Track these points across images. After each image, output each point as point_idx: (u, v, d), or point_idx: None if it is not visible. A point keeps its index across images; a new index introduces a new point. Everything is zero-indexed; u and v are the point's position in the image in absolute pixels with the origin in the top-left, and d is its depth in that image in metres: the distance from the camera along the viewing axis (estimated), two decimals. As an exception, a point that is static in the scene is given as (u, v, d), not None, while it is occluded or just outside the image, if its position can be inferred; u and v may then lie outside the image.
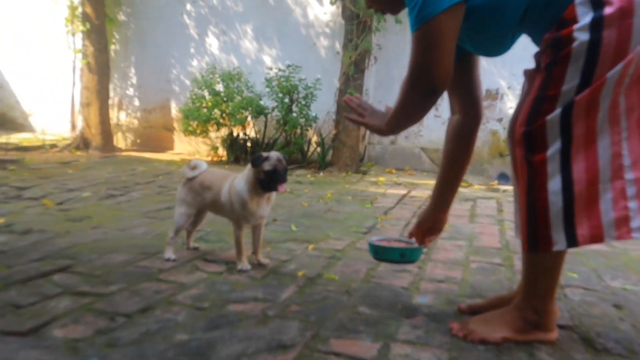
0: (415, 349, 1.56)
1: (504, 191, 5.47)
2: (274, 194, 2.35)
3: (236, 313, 1.78)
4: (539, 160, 1.48)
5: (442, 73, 1.52)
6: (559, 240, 1.50)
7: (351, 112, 1.87)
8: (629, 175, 1.42)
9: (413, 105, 1.64)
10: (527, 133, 1.49)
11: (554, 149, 1.46)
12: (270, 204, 2.36)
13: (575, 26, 1.40)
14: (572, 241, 1.48)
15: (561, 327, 1.75)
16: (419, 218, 2.04)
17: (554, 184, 1.47)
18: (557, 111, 1.43)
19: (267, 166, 2.19)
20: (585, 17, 1.39)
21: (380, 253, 1.89)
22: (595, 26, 1.37)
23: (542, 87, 1.49)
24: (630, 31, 1.35)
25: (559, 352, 1.58)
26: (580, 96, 1.40)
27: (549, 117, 1.44)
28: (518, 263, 2.59)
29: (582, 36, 1.39)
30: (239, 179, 2.29)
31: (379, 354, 1.52)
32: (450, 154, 1.94)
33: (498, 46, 1.71)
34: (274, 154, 2.23)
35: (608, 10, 1.36)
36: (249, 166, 2.26)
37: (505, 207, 4.42)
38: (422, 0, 1.46)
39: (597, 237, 1.47)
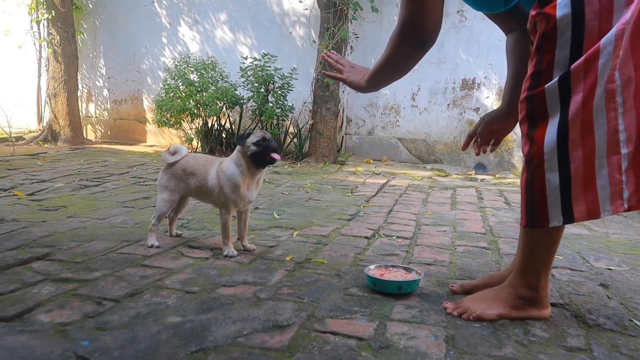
0: (412, 328, 1.57)
1: (482, 180, 5.54)
2: (262, 179, 2.34)
3: (227, 296, 1.76)
4: (539, 136, 1.50)
5: (432, 24, 1.59)
6: (555, 216, 1.52)
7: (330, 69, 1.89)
8: (624, 150, 1.45)
9: (405, 57, 1.69)
10: (529, 98, 1.52)
11: (553, 124, 1.48)
12: (259, 189, 2.34)
13: (558, 1, 1.43)
14: (569, 217, 1.51)
15: (552, 304, 1.79)
16: (486, 118, 2.00)
17: (551, 162, 1.49)
18: (555, 80, 1.46)
19: (253, 138, 2.19)
20: None
21: (378, 285, 1.89)
22: None
23: (536, 64, 1.51)
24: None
25: (553, 328, 1.61)
26: (576, 64, 1.43)
27: (547, 85, 1.47)
28: (504, 246, 2.63)
29: (564, 9, 1.43)
30: (227, 163, 2.26)
31: (375, 332, 1.52)
32: (518, 56, 1.90)
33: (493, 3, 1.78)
34: (258, 130, 2.24)
35: None
36: (236, 149, 2.24)
37: (485, 195, 4.48)
38: None
39: (593, 213, 1.50)
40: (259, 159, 2.21)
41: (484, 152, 2.07)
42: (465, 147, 2.10)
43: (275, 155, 2.20)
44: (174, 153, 2.43)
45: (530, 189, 1.55)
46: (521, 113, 1.57)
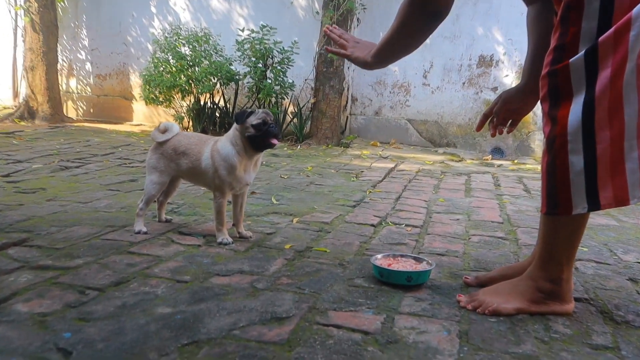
0: (422, 322, 1.56)
1: (499, 166, 5.53)
2: (260, 160, 2.33)
3: (221, 286, 1.76)
4: (563, 115, 1.48)
5: None
6: (579, 203, 1.50)
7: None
8: None
9: (415, 30, 1.68)
10: (552, 73, 1.50)
11: (578, 102, 1.46)
12: (256, 170, 2.33)
13: None
14: (594, 204, 1.49)
15: (576, 299, 1.78)
16: (504, 95, 1.99)
17: (575, 143, 1.47)
18: (580, 54, 1.44)
19: (254, 120, 2.17)
20: None
21: (386, 276, 1.88)
22: None
23: (560, 36, 1.49)
24: None
25: (576, 324, 1.60)
26: (604, 37, 1.40)
27: (572, 59, 1.45)
28: (523, 237, 2.63)
29: None
30: (223, 142, 2.25)
31: (382, 326, 1.51)
32: (540, 28, 1.87)
33: None
34: (259, 109, 2.22)
35: None
36: (233, 127, 2.23)
37: (502, 181, 4.47)
38: None
39: (621, 199, 1.48)
40: (256, 142, 2.20)
41: (500, 133, 2.06)
42: (480, 127, 2.09)
43: (275, 141, 2.20)
44: (165, 131, 2.42)
45: (551, 173, 1.53)
46: (542, 90, 1.55)
